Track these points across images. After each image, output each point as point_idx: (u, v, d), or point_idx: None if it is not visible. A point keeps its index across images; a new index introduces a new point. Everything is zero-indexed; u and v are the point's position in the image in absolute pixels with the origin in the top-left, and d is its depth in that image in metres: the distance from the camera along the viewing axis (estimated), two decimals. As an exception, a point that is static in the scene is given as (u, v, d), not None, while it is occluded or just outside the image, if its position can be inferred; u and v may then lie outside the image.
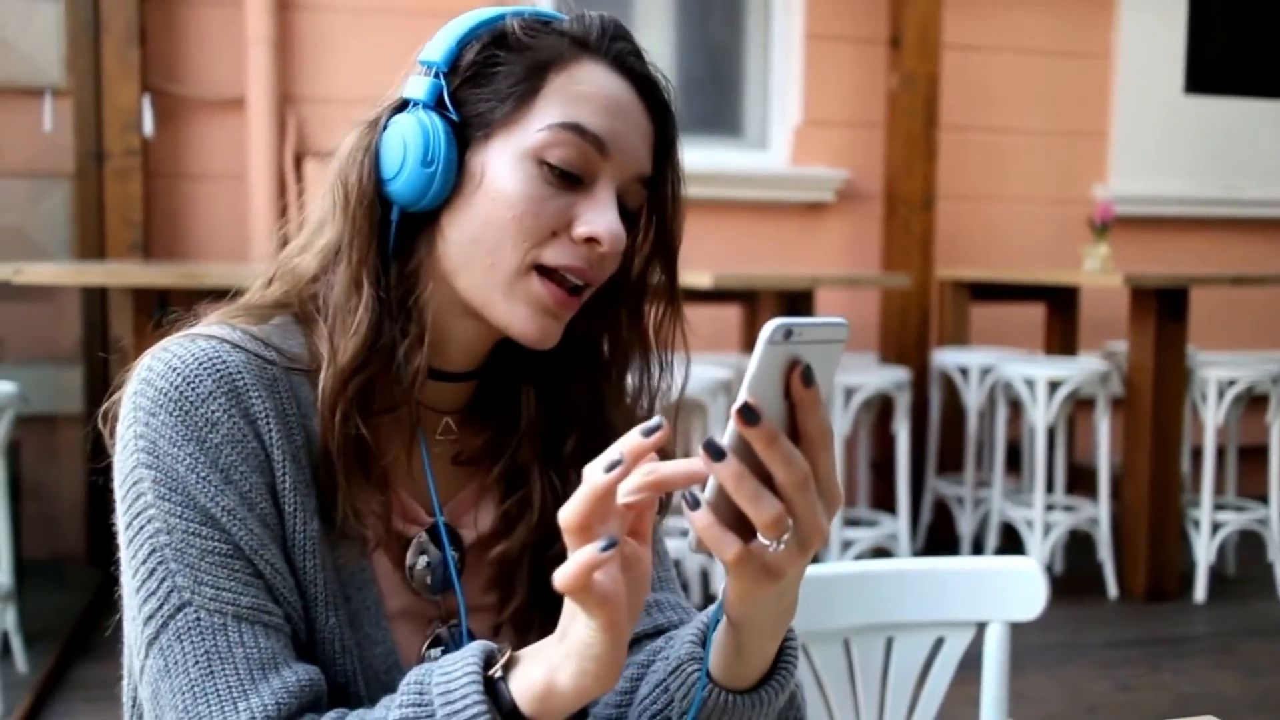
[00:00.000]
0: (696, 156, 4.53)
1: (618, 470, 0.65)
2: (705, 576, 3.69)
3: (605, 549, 0.64)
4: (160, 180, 4.02)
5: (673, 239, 0.91)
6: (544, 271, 0.84)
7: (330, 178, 0.88)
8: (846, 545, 3.78)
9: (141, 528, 0.78)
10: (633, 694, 0.88)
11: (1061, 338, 4.55)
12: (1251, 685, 3.18)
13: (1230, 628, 3.66)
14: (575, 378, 0.93)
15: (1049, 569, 4.09)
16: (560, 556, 0.67)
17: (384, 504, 0.85)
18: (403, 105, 0.86)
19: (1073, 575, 4.09)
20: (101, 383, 3.89)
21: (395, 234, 0.86)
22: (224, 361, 0.80)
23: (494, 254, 0.83)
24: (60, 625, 3.31)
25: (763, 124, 4.76)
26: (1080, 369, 3.85)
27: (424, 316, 0.85)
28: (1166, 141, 5.05)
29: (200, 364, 0.80)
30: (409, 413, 0.87)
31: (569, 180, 0.83)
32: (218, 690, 0.75)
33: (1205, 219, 5.12)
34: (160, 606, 0.77)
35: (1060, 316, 4.56)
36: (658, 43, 4.65)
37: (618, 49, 0.87)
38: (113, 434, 0.83)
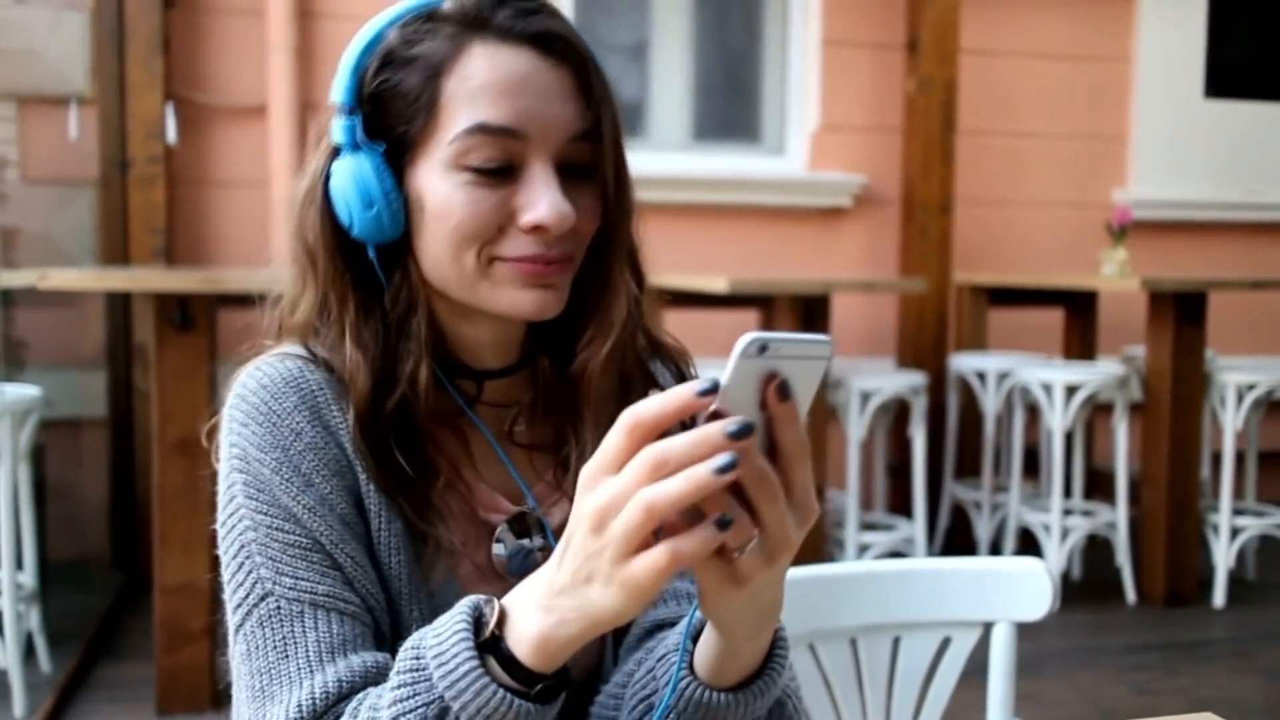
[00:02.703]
0: (713, 162, 4.57)
1: (732, 472, 0.61)
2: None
3: (723, 527, 0.63)
4: (183, 187, 4.07)
5: (620, 186, 0.89)
6: (506, 260, 0.86)
7: (291, 234, 0.91)
8: (863, 549, 3.78)
9: (233, 526, 0.85)
10: (631, 675, 0.90)
11: (1080, 342, 4.54)
12: (1270, 690, 3.16)
13: (1249, 633, 3.64)
14: (581, 335, 0.93)
15: (1067, 574, 4.08)
16: None
17: (464, 500, 0.90)
18: (336, 149, 0.87)
19: (1091, 580, 4.08)
20: (125, 387, 3.94)
21: (383, 265, 0.88)
22: (306, 379, 0.87)
23: (455, 264, 0.86)
24: (83, 626, 3.36)
25: (780, 129, 4.77)
26: (1098, 373, 3.85)
27: (423, 334, 0.88)
28: (1186, 146, 5.04)
29: (285, 381, 0.87)
30: (463, 417, 0.92)
31: (498, 174, 0.84)
32: (288, 671, 0.80)
33: (1224, 223, 5.10)
34: (246, 596, 0.83)
35: (1078, 321, 4.55)
36: (675, 48, 4.67)
37: (503, 17, 0.84)
38: (215, 446, 0.89)
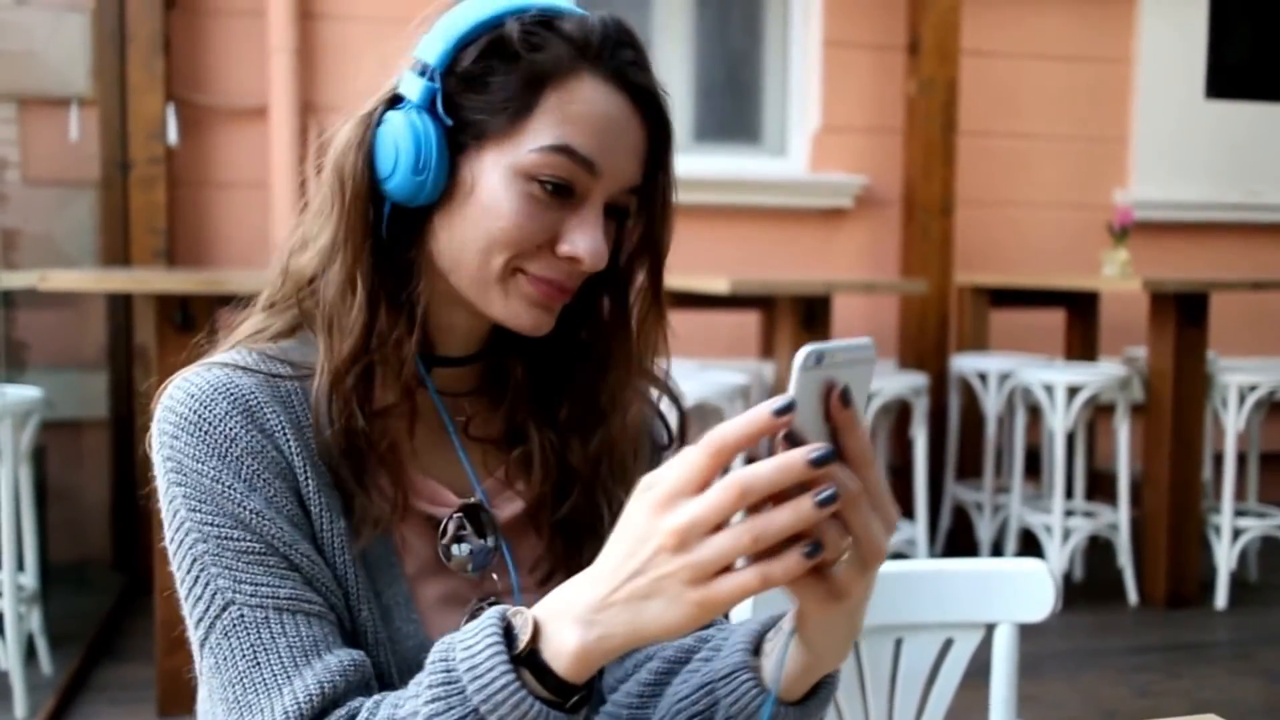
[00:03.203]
0: (715, 163, 4.57)
1: (834, 505, 0.64)
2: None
3: (811, 554, 0.64)
4: (184, 188, 4.07)
5: (659, 245, 0.92)
6: (529, 276, 0.87)
7: (326, 170, 0.89)
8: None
9: (181, 541, 0.83)
10: (659, 687, 0.89)
11: (1081, 343, 4.54)
12: (1272, 692, 3.16)
13: (1251, 634, 3.64)
14: (563, 353, 0.95)
15: (1069, 575, 4.08)
16: (573, 511, 0.80)
17: (395, 483, 0.88)
18: (397, 99, 0.87)
19: (1092, 581, 4.07)
20: (126, 388, 3.94)
21: (388, 226, 0.88)
22: (236, 385, 0.85)
23: (481, 259, 0.86)
24: (85, 628, 3.35)
25: (781, 130, 4.77)
26: (1099, 375, 3.84)
27: (415, 310, 0.88)
28: (1187, 146, 5.04)
29: (215, 389, 0.85)
30: (420, 400, 0.91)
31: (559, 193, 0.85)
32: (264, 679, 0.79)
33: (1226, 224, 5.09)
34: (207, 609, 0.81)
35: (1080, 322, 4.55)
36: (676, 49, 4.67)
37: (618, 60, 0.86)
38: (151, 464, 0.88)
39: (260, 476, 0.83)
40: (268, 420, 0.85)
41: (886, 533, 0.68)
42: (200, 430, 0.83)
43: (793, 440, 0.64)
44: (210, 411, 0.84)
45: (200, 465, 0.83)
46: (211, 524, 0.82)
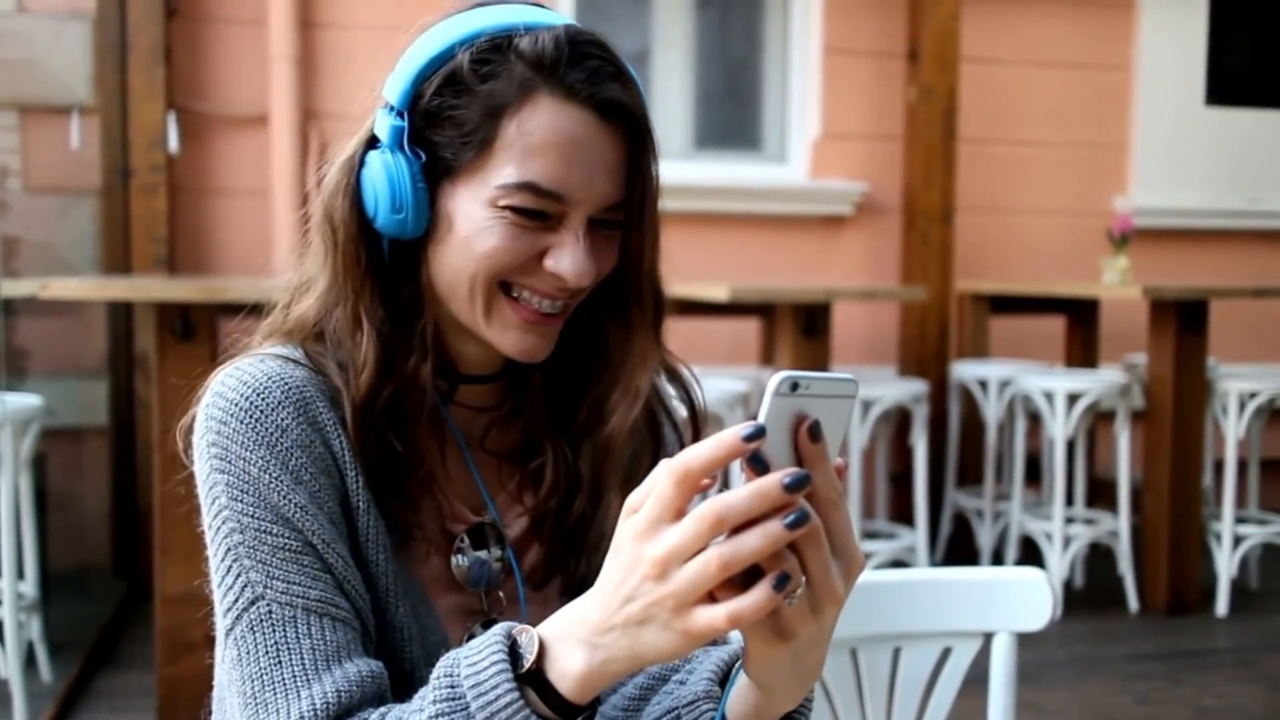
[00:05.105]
0: (715, 170, 4.58)
1: (804, 527, 0.64)
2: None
3: (778, 587, 0.64)
4: (185, 196, 4.07)
5: (640, 257, 0.90)
6: (513, 293, 0.87)
7: (316, 215, 0.90)
8: (865, 558, 3.77)
9: (218, 528, 0.83)
10: (641, 701, 0.90)
11: (1082, 350, 4.54)
12: (1273, 699, 3.16)
13: (1252, 641, 3.63)
14: (578, 363, 0.95)
15: (1069, 582, 4.08)
16: (580, 519, 0.81)
17: (434, 507, 0.90)
18: (374, 139, 0.88)
19: (1093, 588, 4.07)
20: (126, 396, 3.94)
21: (392, 259, 0.89)
22: (291, 376, 0.86)
23: (469, 286, 0.87)
24: (85, 635, 3.35)
25: (781, 137, 4.78)
26: (1100, 381, 3.84)
27: (427, 338, 0.90)
28: (1187, 153, 5.04)
29: (269, 378, 0.85)
30: (440, 420, 0.92)
31: (536, 217, 0.85)
32: (283, 679, 0.79)
33: (1226, 231, 5.09)
34: (236, 600, 0.82)
35: (1080, 329, 4.55)
36: (677, 56, 4.67)
37: (577, 75, 0.84)
38: (189, 448, 0.88)
39: (307, 470, 0.83)
40: (319, 415, 0.86)
41: (847, 578, 0.68)
42: (251, 418, 0.83)
43: (759, 465, 0.63)
44: (264, 400, 0.84)
45: (247, 454, 0.83)
46: (251, 515, 0.82)
